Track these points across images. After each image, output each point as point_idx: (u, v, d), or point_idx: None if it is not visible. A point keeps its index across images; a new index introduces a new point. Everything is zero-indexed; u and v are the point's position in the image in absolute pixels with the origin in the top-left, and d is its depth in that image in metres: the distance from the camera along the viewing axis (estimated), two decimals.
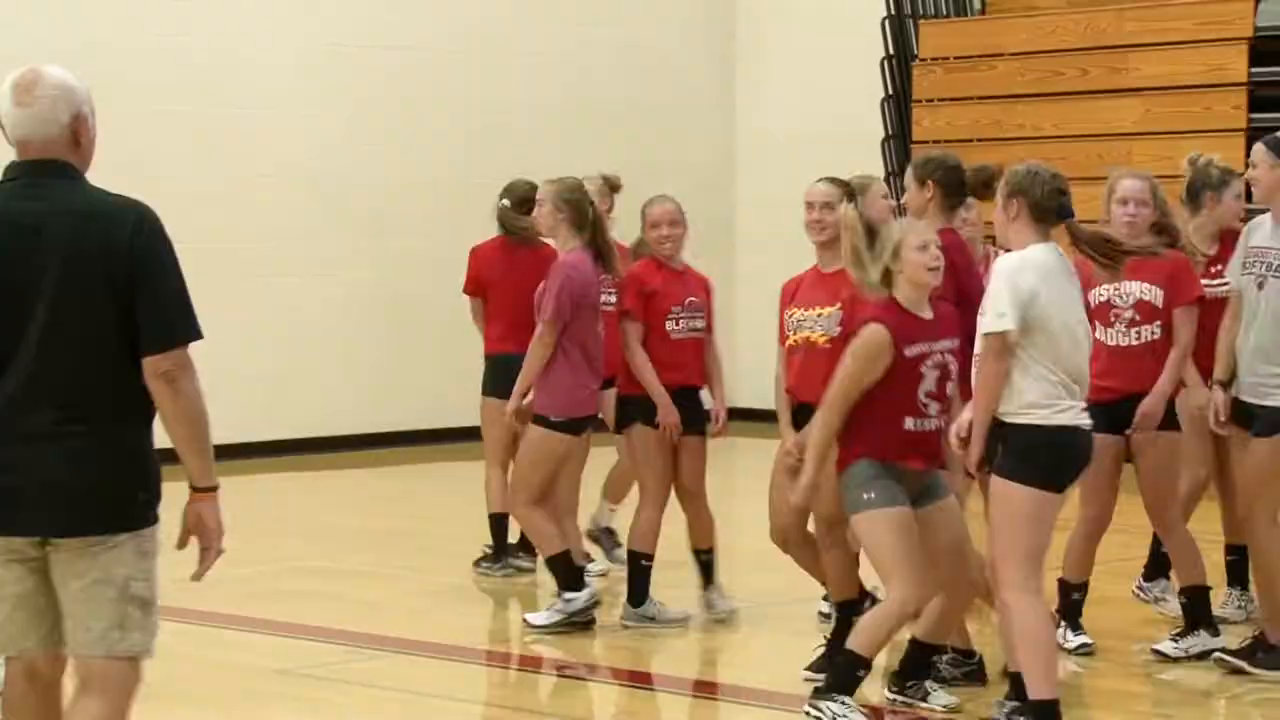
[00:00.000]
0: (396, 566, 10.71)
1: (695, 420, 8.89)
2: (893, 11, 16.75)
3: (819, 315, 7.91)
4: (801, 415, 7.78)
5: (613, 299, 9.21)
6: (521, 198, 9.98)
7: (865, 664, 6.99)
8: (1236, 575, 8.81)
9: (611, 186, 9.86)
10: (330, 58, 15.56)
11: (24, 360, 4.96)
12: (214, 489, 5.08)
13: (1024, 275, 6.62)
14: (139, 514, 5.04)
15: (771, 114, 17.82)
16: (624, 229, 9.67)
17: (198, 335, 5.03)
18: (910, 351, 6.93)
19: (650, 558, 8.85)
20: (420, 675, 8.25)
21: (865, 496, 6.89)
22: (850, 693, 6.97)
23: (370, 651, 8.57)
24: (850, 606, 7.83)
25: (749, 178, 18.00)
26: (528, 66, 16.75)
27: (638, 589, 8.90)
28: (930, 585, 7.01)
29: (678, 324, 8.88)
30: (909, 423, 6.93)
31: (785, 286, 8.21)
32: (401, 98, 15.89)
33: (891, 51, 16.68)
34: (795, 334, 7.99)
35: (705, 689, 8.23)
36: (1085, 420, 6.73)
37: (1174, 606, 8.50)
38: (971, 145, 14.98)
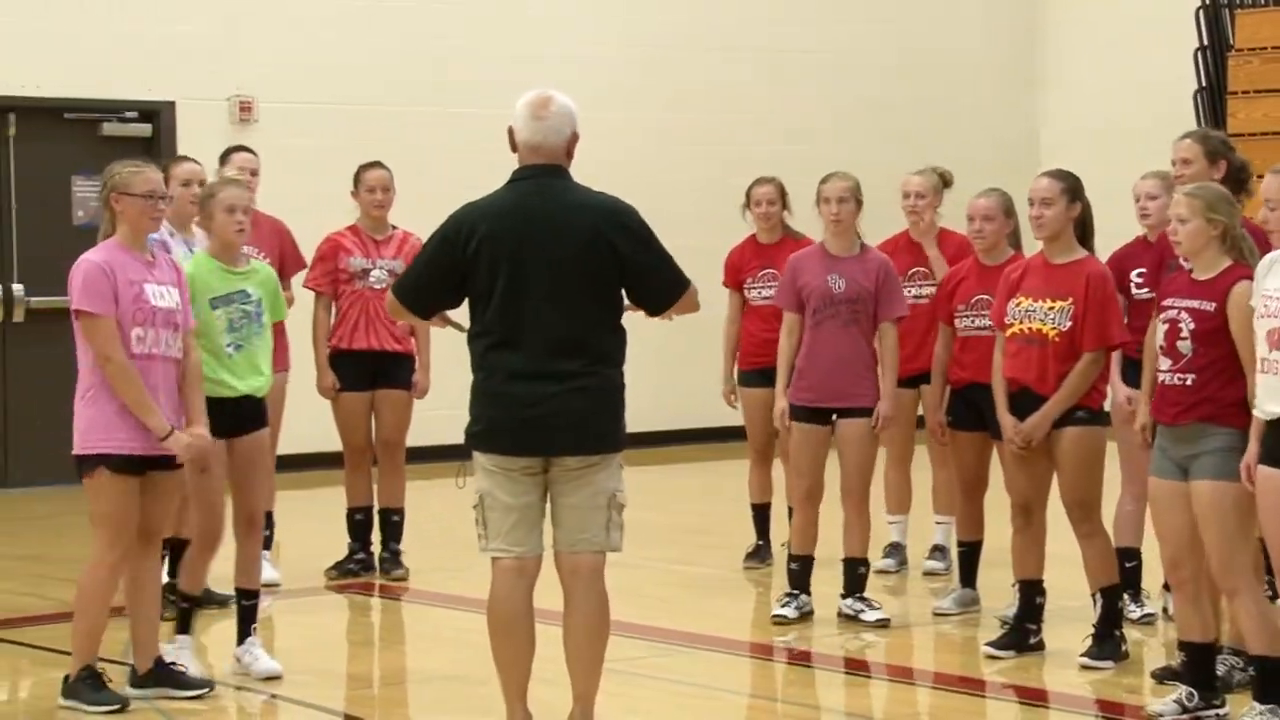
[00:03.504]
0: (686, 560, 10.75)
1: None
2: (1207, 1, 16.31)
3: (1050, 309, 7.95)
4: (1023, 401, 7.93)
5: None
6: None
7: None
8: None
9: (944, 181, 9.89)
10: (609, 59, 15.70)
11: (540, 316, 6.26)
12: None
13: None
14: (622, 439, 6.41)
15: (1078, 108, 17.49)
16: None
17: (688, 282, 6.43)
18: None
19: None
20: (716, 671, 8.24)
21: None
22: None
23: (667, 646, 8.61)
24: (1115, 592, 7.99)
25: None
26: (821, 64, 16.68)
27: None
28: None
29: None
30: None
31: (1007, 273, 8.23)
32: (677, 95, 15.96)
33: (1206, 42, 16.25)
34: (1021, 323, 7.99)
35: (972, 685, 8.05)
36: None
37: None
38: None
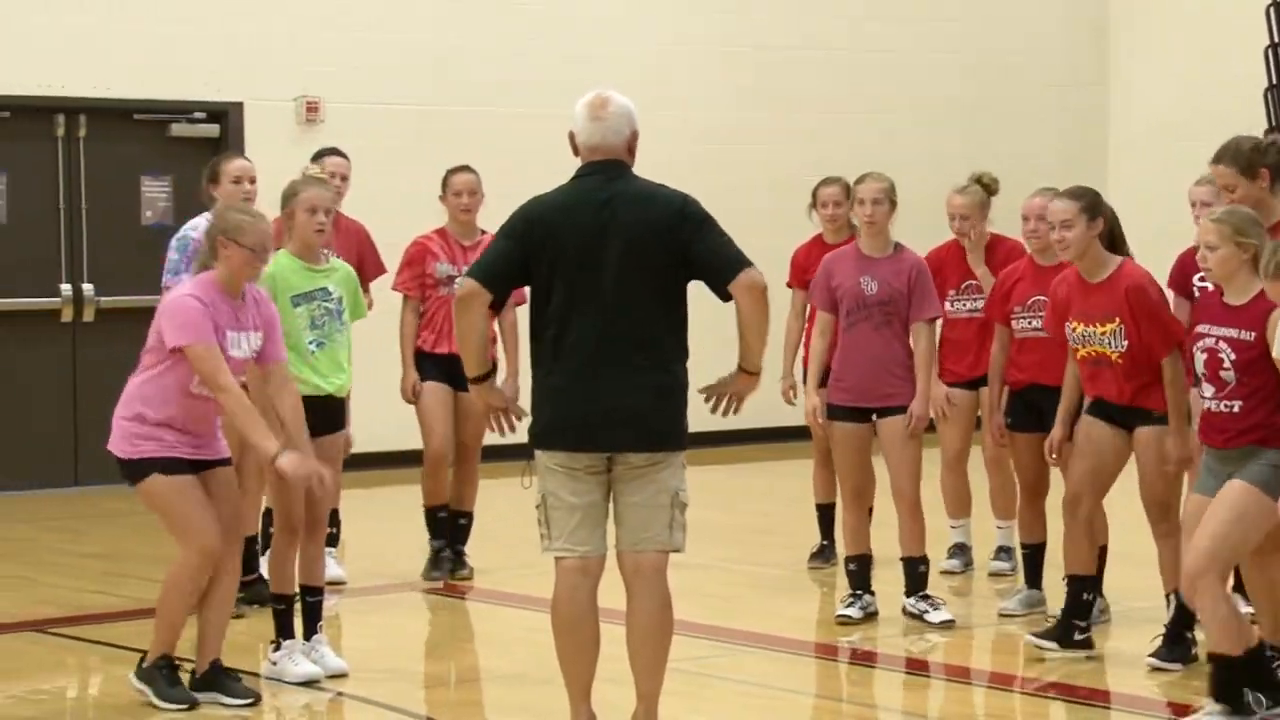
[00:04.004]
0: (750, 560, 10.75)
1: None
2: None
3: (1103, 333, 7.97)
4: (1108, 411, 8.00)
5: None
6: None
7: None
8: None
9: (988, 189, 9.84)
10: (675, 58, 15.72)
11: (604, 311, 6.27)
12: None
13: None
14: (684, 437, 6.40)
15: (1145, 106, 17.40)
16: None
17: (749, 262, 6.30)
18: None
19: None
20: (780, 670, 8.24)
21: None
22: None
23: (732, 646, 8.61)
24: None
25: (1121, 171, 17.59)
26: (885, 64, 16.64)
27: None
28: None
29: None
30: None
31: (1054, 289, 8.23)
32: (739, 95, 15.95)
33: (1276, 39, 16.13)
34: (1085, 347, 8.03)
35: (1037, 687, 8.02)
36: None
37: None
38: None
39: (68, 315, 13.73)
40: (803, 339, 10.21)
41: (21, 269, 13.56)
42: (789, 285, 10.35)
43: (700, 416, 6.65)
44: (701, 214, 6.40)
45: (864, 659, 8.45)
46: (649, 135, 6.65)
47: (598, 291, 6.31)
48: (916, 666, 8.33)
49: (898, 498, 8.83)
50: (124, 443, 7.36)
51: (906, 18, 16.74)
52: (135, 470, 7.32)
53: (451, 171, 10.22)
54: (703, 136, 15.64)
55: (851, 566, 8.95)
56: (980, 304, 9.54)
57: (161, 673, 7.37)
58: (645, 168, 6.57)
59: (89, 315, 13.76)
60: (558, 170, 6.91)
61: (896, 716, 7.68)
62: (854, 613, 8.88)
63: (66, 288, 13.71)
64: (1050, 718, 7.71)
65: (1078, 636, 8.11)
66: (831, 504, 10.39)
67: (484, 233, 10.05)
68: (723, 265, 6.33)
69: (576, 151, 6.53)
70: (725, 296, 6.37)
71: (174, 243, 9.19)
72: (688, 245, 6.32)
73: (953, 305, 9.76)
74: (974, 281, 9.74)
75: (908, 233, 15.07)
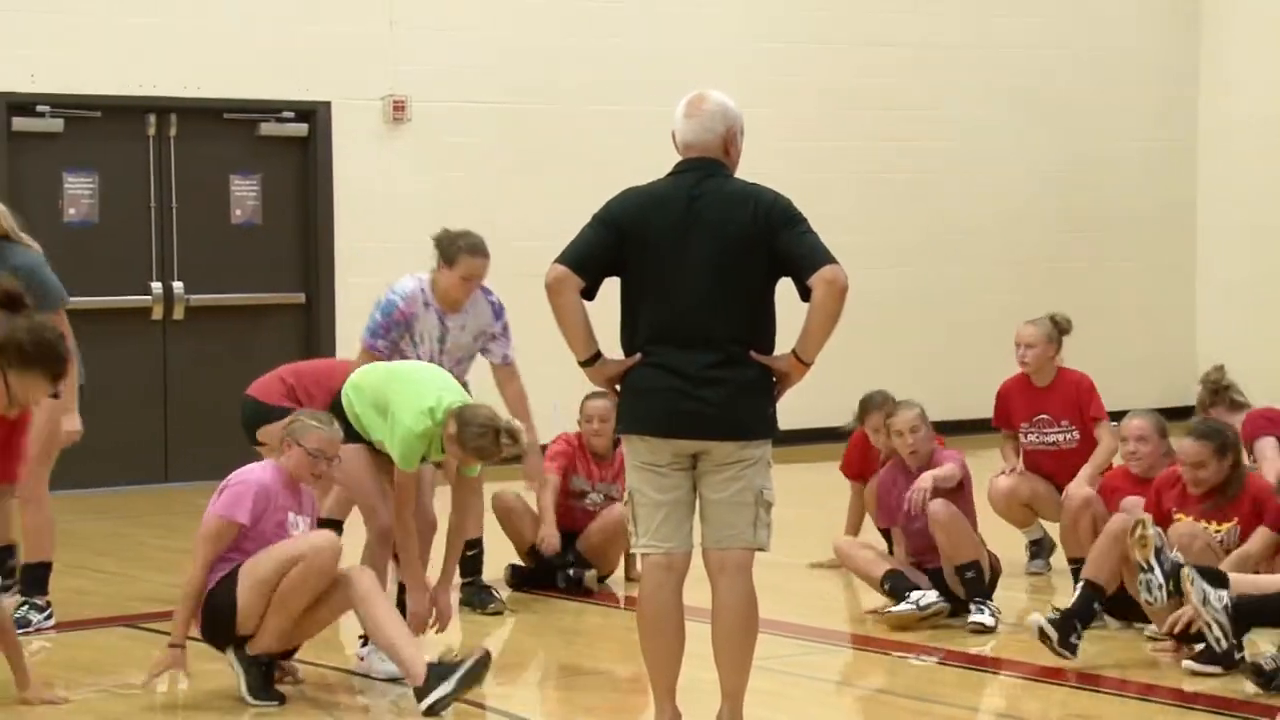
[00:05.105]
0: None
1: None
2: None
3: (1218, 530, 8.22)
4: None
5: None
6: None
7: None
8: None
9: (1060, 328, 10.01)
10: (767, 54, 15.68)
11: (690, 304, 6.31)
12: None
13: None
14: (771, 428, 6.43)
15: (1237, 101, 17.23)
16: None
17: (834, 259, 6.31)
18: None
19: None
20: (865, 669, 8.24)
21: None
22: None
23: (818, 645, 8.61)
24: None
25: (1211, 165, 17.44)
26: (975, 59, 16.56)
27: None
28: None
29: None
30: None
31: (1160, 487, 8.45)
32: (829, 91, 15.91)
33: None
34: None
35: (1125, 688, 7.96)
36: None
37: None
38: None
39: (158, 313, 13.85)
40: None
41: (113, 267, 13.69)
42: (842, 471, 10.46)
43: (788, 415, 6.64)
44: (791, 211, 6.42)
45: (950, 658, 8.40)
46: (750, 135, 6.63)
47: (684, 284, 6.35)
48: (1006, 667, 8.29)
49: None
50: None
51: (995, 13, 16.64)
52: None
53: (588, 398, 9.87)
54: (794, 133, 15.59)
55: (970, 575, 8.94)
56: (1053, 437, 9.87)
57: (261, 668, 7.45)
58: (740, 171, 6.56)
59: (178, 313, 13.88)
60: (645, 168, 6.93)
61: (986, 717, 7.65)
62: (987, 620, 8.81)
63: (157, 286, 13.84)
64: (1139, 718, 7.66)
65: (1073, 640, 8.05)
66: None
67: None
68: (807, 259, 6.33)
69: (679, 149, 6.56)
70: (806, 294, 6.35)
71: (380, 304, 9.05)
72: (775, 241, 6.34)
73: (1026, 437, 9.98)
74: (1045, 415, 9.90)
75: (995, 232, 15.12)
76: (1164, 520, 8.25)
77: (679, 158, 6.55)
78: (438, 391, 7.83)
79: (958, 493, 8.96)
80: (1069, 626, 8.02)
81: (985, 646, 8.57)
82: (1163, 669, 7.97)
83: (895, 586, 8.85)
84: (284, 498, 7.56)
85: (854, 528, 10.22)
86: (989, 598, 8.82)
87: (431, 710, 7.18)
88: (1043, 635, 8.00)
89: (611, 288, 6.51)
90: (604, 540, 9.73)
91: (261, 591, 7.38)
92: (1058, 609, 8.20)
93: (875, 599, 9.09)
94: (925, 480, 8.87)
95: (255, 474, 7.59)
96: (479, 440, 7.66)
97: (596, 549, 9.78)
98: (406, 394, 7.82)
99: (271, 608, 7.40)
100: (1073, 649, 8.00)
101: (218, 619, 7.47)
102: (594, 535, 9.75)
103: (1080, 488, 9.12)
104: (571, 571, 9.67)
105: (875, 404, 9.90)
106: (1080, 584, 8.21)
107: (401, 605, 8.04)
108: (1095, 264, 17.07)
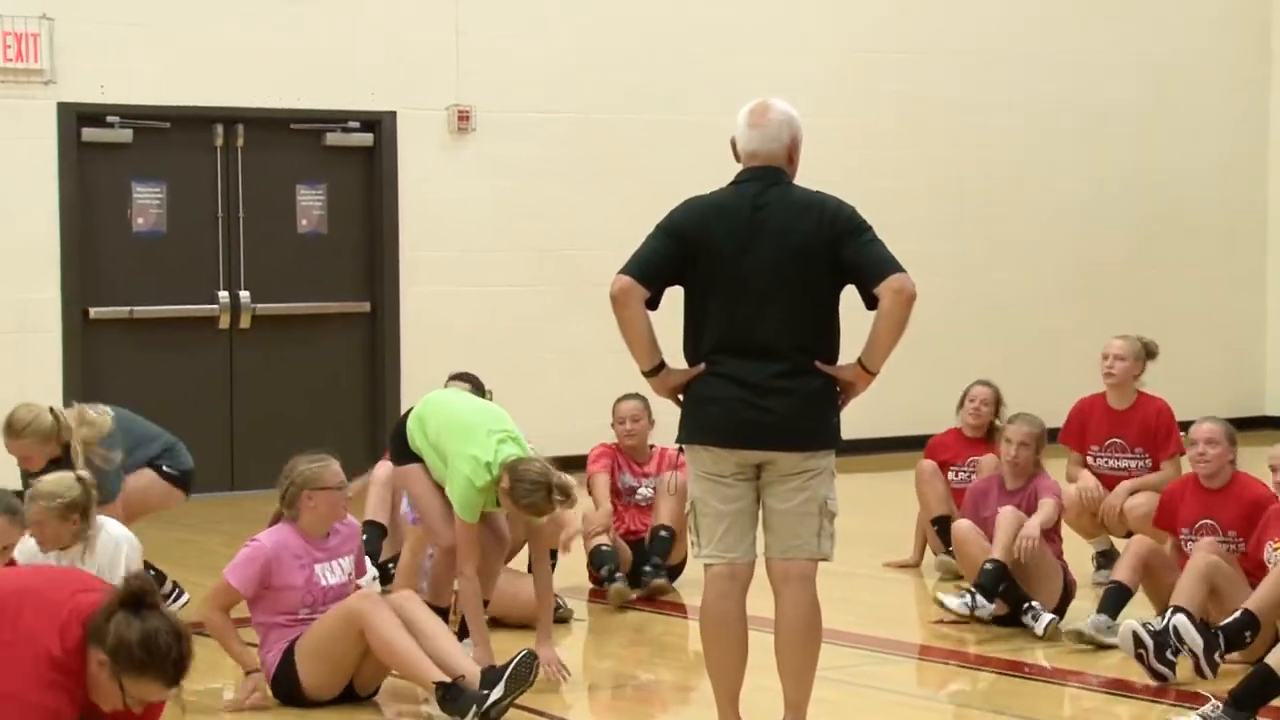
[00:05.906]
0: (900, 569, 10.69)
1: None
2: None
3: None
4: None
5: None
6: None
7: None
8: None
9: (1149, 351, 10.04)
10: (835, 62, 15.64)
11: (754, 314, 6.27)
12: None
13: None
14: (835, 437, 6.41)
15: None
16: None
17: (901, 267, 6.25)
18: None
19: None
20: (930, 679, 8.21)
21: None
22: None
23: (882, 655, 8.58)
24: None
25: None
26: (1048, 67, 16.48)
27: None
28: None
29: None
30: None
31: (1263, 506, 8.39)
32: (898, 100, 15.88)
33: None
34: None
35: (1186, 699, 7.89)
36: None
37: None
38: None
39: (224, 322, 13.92)
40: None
41: (180, 277, 13.77)
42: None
43: (851, 425, 6.61)
44: (857, 220, 6.37)
45: (1012, 668, 8.36)
46: (808, 140, 6.62)
47: (748, 294, 6.31)
48: (1065, 676, 8.21)
49: None
50: None
51: (1065, 20, 16.56)
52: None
53: (620, 400, 10.06)
54: (862, 141, 15.56)
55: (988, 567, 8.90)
56: (1125, 463, 9.89)
57: (465, 693, 7.29)
58: (804, 172, 6.55)
59: (245, 322, 13.95)
60: (709, 177, 6.91)
61: None
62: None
63: (224, 295, 13.91)
64: None
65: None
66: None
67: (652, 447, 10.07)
68: (874, 268, 6.28)
69: (738, 158, 6.52)
70: (872, 302, 6.32)
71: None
72: (840, 249, 6.30)
73: (1095, 460, 9.99)
74: (1119, 440, 9.93)
75: (1064, 241, 15.03)
76: (1261, 545, 8.17)
77: (741, 167, 6.54)
78: (495, 444, 7.85)
79: (1050, 529, 9.03)
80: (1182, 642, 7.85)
81: (1039, 655, 8.52)
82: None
83: (986, 582, 8.81)
84: (304, 553, 7.58)
85: (935, 509, 10.34)
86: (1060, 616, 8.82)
87: (486, 716, 7.18)
88: (1137, 643, 7.86)
89: (674, 296, 6.50)
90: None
91: (319, 668, 7.46)
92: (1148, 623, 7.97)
93: (937, 611, 9.05)
94: (1033, 529, 8.83)
95: (266, 538, 7.61)
96: (531, 496, 7.70)
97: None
98: (464, 443, 7.85)
99: (328, 669, 7.47)
100: (1171, 667, 7.86)
101: (291, 694, 7.54)
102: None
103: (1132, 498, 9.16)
104: (649, 566, 9.72)
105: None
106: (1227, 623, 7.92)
107: (463, 633, 8.09)
108: (1165, 273, 16.97)
